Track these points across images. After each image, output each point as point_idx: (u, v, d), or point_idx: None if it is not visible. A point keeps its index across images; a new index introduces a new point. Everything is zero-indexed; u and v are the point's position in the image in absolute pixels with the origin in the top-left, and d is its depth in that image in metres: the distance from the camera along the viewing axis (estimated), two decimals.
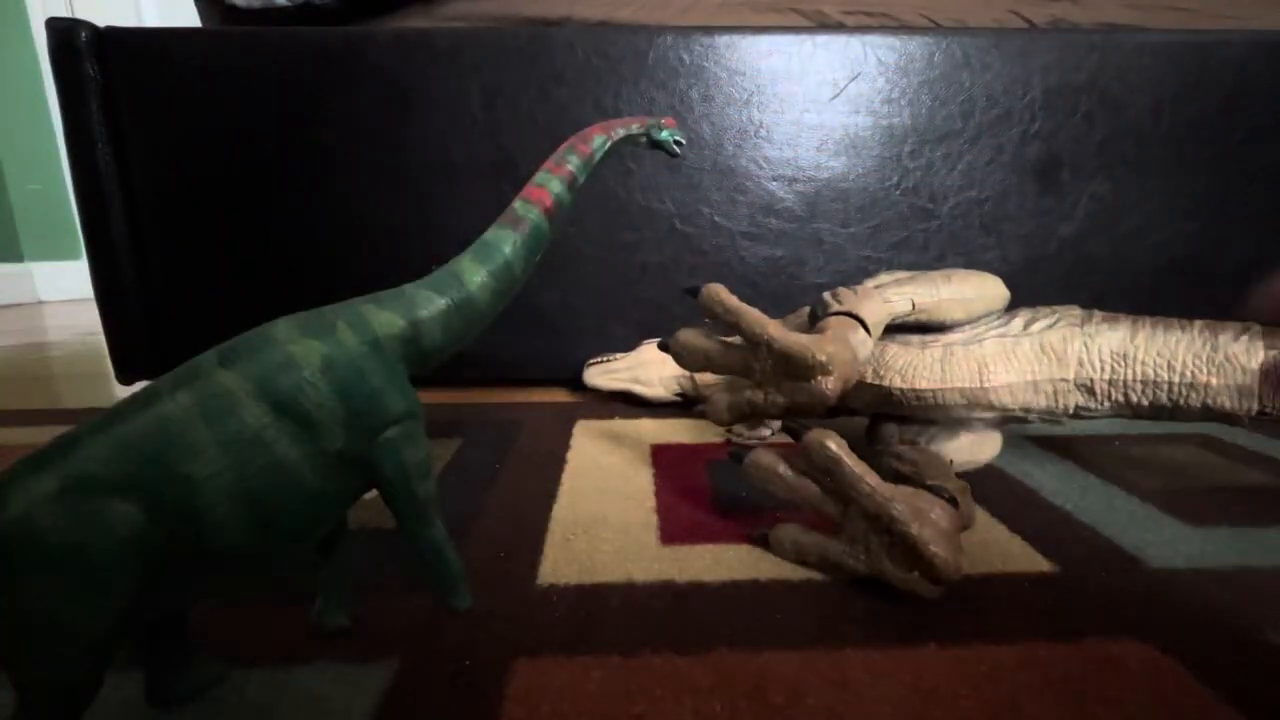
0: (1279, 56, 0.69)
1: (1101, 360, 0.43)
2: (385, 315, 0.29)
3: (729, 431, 0.60)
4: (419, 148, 0.69)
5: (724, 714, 0.25)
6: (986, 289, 0.48)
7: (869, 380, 0.47)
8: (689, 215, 0.72)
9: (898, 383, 0.46)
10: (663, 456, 0.54)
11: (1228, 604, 0.32)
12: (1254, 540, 0.39)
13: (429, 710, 0.26)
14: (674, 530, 0.41)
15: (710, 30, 0.68)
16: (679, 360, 0.44)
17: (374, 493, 0.29)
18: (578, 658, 0.29)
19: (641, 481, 0.48)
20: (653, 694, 0.26)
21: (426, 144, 0.69)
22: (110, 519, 0.20)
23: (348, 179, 0.70)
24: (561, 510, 0.43)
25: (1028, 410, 0.46)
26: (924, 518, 0.32)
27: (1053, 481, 0.48)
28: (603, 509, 0.44)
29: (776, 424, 0.60)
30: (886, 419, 0.50)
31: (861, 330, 0.42)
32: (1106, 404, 0.44)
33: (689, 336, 0.44)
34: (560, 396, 0.74)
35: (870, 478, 0.33)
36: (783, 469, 0.37)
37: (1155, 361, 0.42)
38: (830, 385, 0.38)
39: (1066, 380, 0.44)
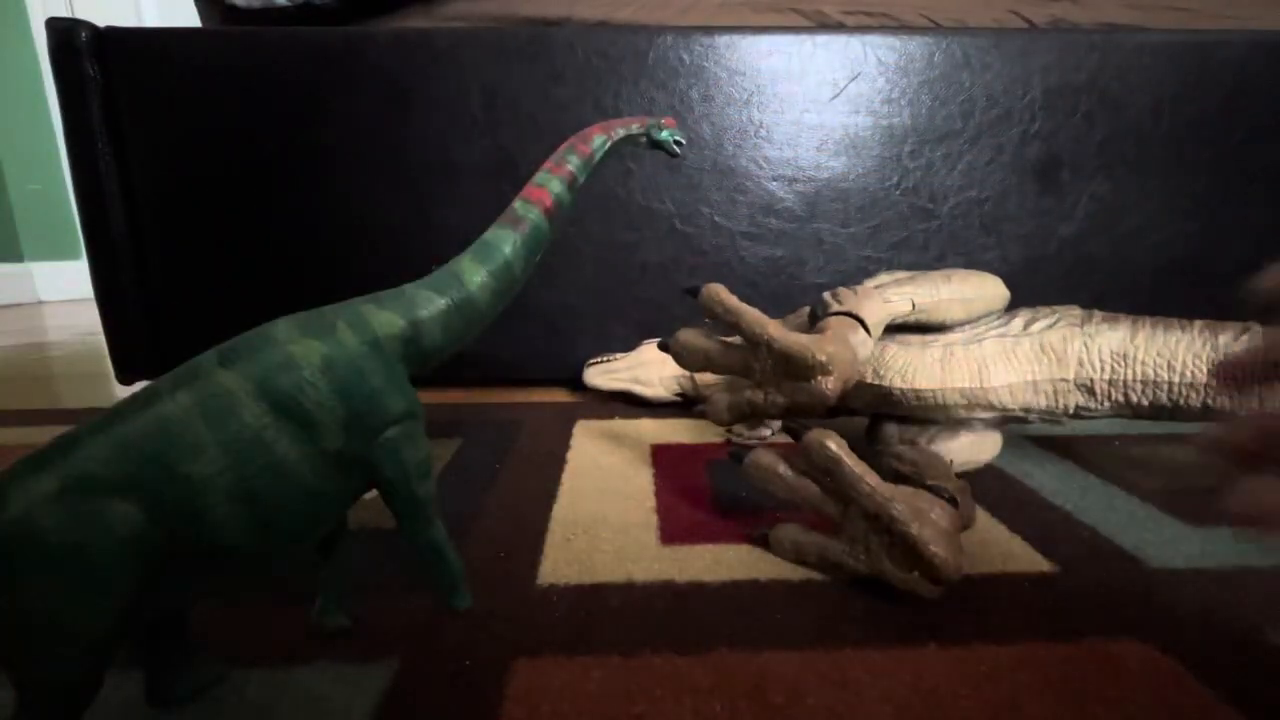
0: (1279, 56, 0.69)
1: (1101, 360, 0.43)
2: (385, 315, 0.29)
3: (729, 431, 0.60)
4: (419, 148, 0.69)
5: (724, 714, 0.25)
6: (986, 289, 0.48)
7: (869, 380, 0.47)
8: (689, 215, 0.72)
9: (898, 383, 0.46)
10: (663, 456, 0.54)
11: (1228, 604, 0.32)
12: (1254, 540, 0.39)
13: (429, 710, 0.26)
14: (674, 530, 0.40)
15: (710, 30, 0.68)
16: (679, 360, 0.44)
17: (374, 493, 0.29)
18: (578, 658, 0.29)
19: (641, 481, 0.48)
20: (653, 694, 0.26)
21: (426, 144, 0.69)
22: (110, 519, 0.20)
23: (348, 179, 0.70)
24: (561, 510, 0.43)
25: (1028, 410, 0.46)
26: (924, 518, 0.32)
27: (1053, 481, 0.48)
28: (603, 509, 0.44)
29: (776, 424, 0.60)
30: (886, 419, 0.50)
31: (861, 330, 0.42)
32: (1106, 404, 0.44)
33: (689, 336, 0.44)
34: (560, 396, 0.74)
35: (870, 478, 0.33)
36: (783, 469, 0.37)
37: (1155, 361, 0.42)
38: (830, 385, 0.38)
39: (1066, 380, 0.44)
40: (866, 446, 0.50)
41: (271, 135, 0.69)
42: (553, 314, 0.74)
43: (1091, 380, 0.44)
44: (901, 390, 0.46)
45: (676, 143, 0.44)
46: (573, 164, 0.37)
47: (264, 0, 0.73)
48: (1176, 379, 0.41)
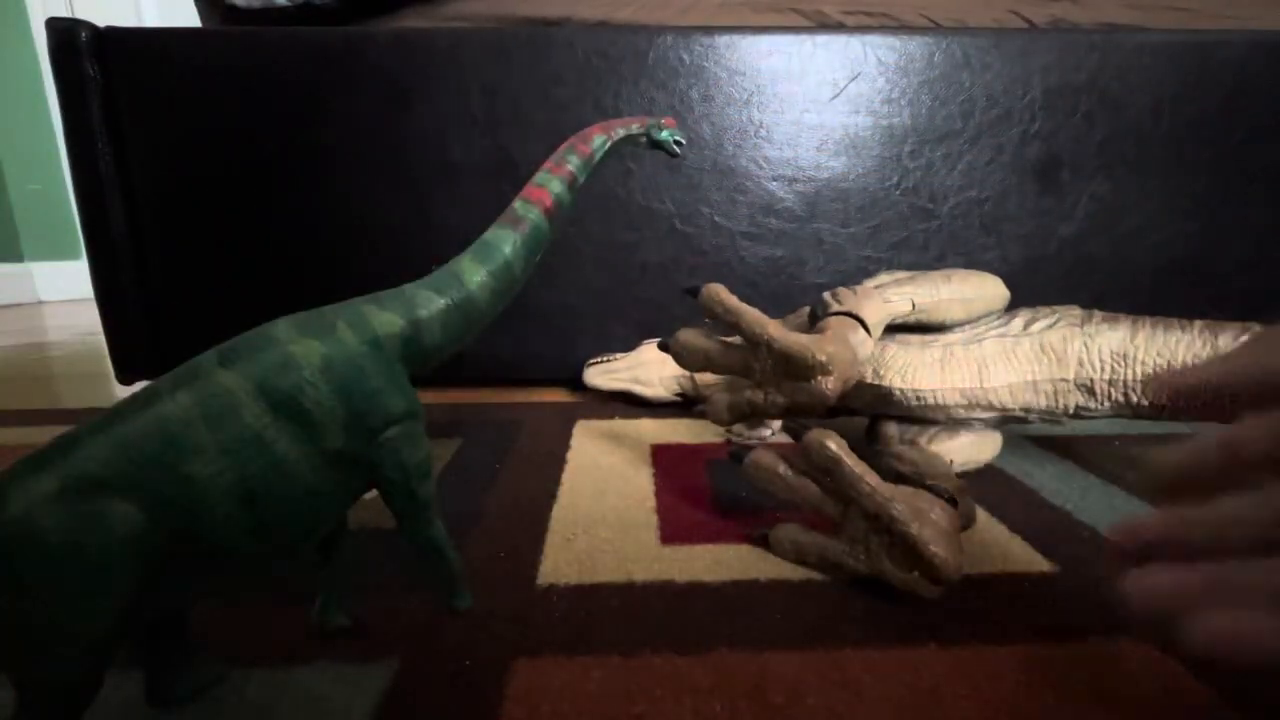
0: (1279, 56, 0.69)
1: (1101, 360, 0.43)
2: (385, 315, 0.29)
3: (729, 431, 0.60)
4: (419, 148, 0.69)
5: (724, 714, 0.25)
6: (986, 289, 0.48)
7: (869, 380, 0.47)
8: (689, 215, 0.72)
9: (898, 383, 0.46)
10: (663, 456, 0.54)
11: None
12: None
13: (429, 710, 0.26)
14: (674, 530, 0.40)
15: (710, 30, 0.68)
16: (679, 360, 0.44)
17: (374, 493, 0.29)
18: (578, 658, 0.29)
19: (641, 481, 0.48)
20: (653, 694, 0.26)
21: (426, 144, 0.69)
22: (110, 519, 0.20)
23: (348, 179, 0.70)
24: (561, 510, 0.43)
25: (1028, 410, 0.46)
26: (924, 518, 0.32)
27: (1053, 481, 0.48)
28: (603, 509, 0.44)
29: (776, 424, 0.60)
30: (886, 419, 0.50)
31: (861, 330, 0.42)
32: (1106, 404, 0.44)
33: (689, 336, 0.44)
34: (560, 396, 0.74)
35: (870, 478, 0.33)
36: (783, 469, 0.37)
37: (1155, 361, 0.42)
38: (830, 385, 0.38)
39: (1066, 380, 0.44)
40: (866, 446, 0.50)
41: (271, 135, 0.69)
42: (553, 314, 0.74)
43: (1091, 380, 0.44)
44: (901, 390, 0.46)
45: (676, 143, 0.44)
46: (573, 164, 0.37)
47: (264, 0, 0.73)
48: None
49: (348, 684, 0.27)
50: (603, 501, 0.45)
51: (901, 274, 0.49)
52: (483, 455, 0.54)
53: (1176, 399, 0.22)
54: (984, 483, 0.47)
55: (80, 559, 0.20)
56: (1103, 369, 0.43)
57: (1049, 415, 0.46)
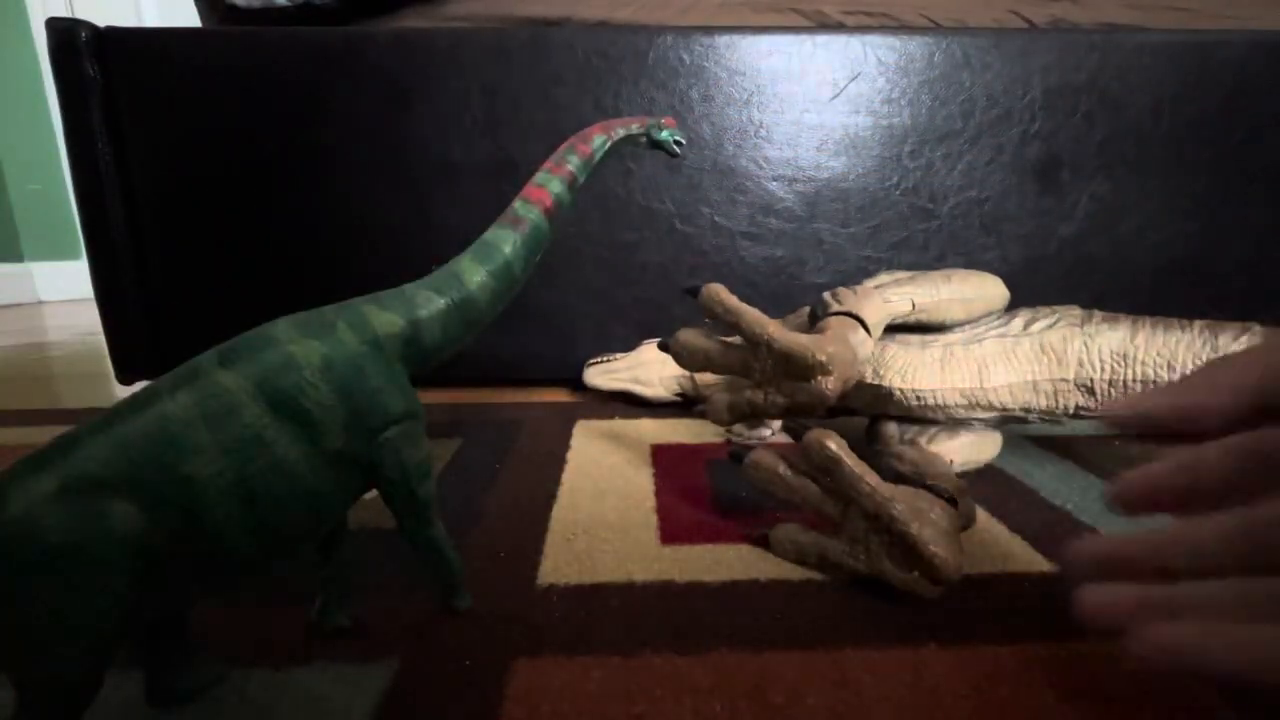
0: (1279, 56, 0.69)
1: (1101, 360, 0.43)
2: (385, 315, 0.29)
3: (729, 431, 0.60)
4: (419, 148, 0.69)
5: (724, 714, 0.25)
6: (986, 289, 0.48)
7: (869, 380, 0.47)
8: (689, 215, 0.72)
9: (898, 383, 0.46)
10: (663, 456, 0.54)
11: None
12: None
13: (429, 710, 0.26)
14: (674, 530, 0.40)
15: (710, 30, 0.68)
16: (679, 360, 0.44)
17: (374, 493, 0.29)
18: (578, 658, 0.29)
19: (641, 481, 0.48)
20: (653, 694, 0.26)
21: (426, 144, 0.69)
22: (110, 519, 0.20)
23: (348, 179, 0.70)
24: (561, 510, 0.43)
25: (1028, 410, 0.46)
26: (924, 518, 0.32)
27: (1053, 481, 0.48)
28: (603, 509, 0.44)
29: (776, 424, 0.60)
30: (886, 419, 0.50)
31: (861, 330, 0.42)
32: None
33: (689, 336, 0.44)
34: (560, 396, 0.74)
35: (870, 478, 0.33)
36: (783, 469, 0.37)
37: (1155, 361, 0.42)
38: (830, 385, 0.38)
39: (1066, 380, 0.44)
40: (866, 446, 0.50)
41: (271, 135, 0.69)
42: (553, 314, 0.74)
43: (1091, 380, 0.44)
44: (901, 390, 0.46)
45: (676, 143, 0.44)
46: (573, 164, 0.37)
47: (264, 0, 0.73)
48: (1177, 379, 0.41)
49: (348, 684, 0.27)
50: (603, 501, 0.45)
51: (901, 274, 0.49)
52: (483, 455, 0.54)
53: (1126, 425, 0.24)
54: (984, 483, 0.47)
55: (80, 559, 0.20)
56: (1103, 369, 0.43)
57: (1049, 415, 0.46)
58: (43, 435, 0.62)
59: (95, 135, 0.68)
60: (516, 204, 0.35)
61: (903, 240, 0.72)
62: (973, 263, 0.73)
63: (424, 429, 0.29)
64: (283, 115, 0.69)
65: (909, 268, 0.73)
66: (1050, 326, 0.45)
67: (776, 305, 0.73)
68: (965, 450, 0.47)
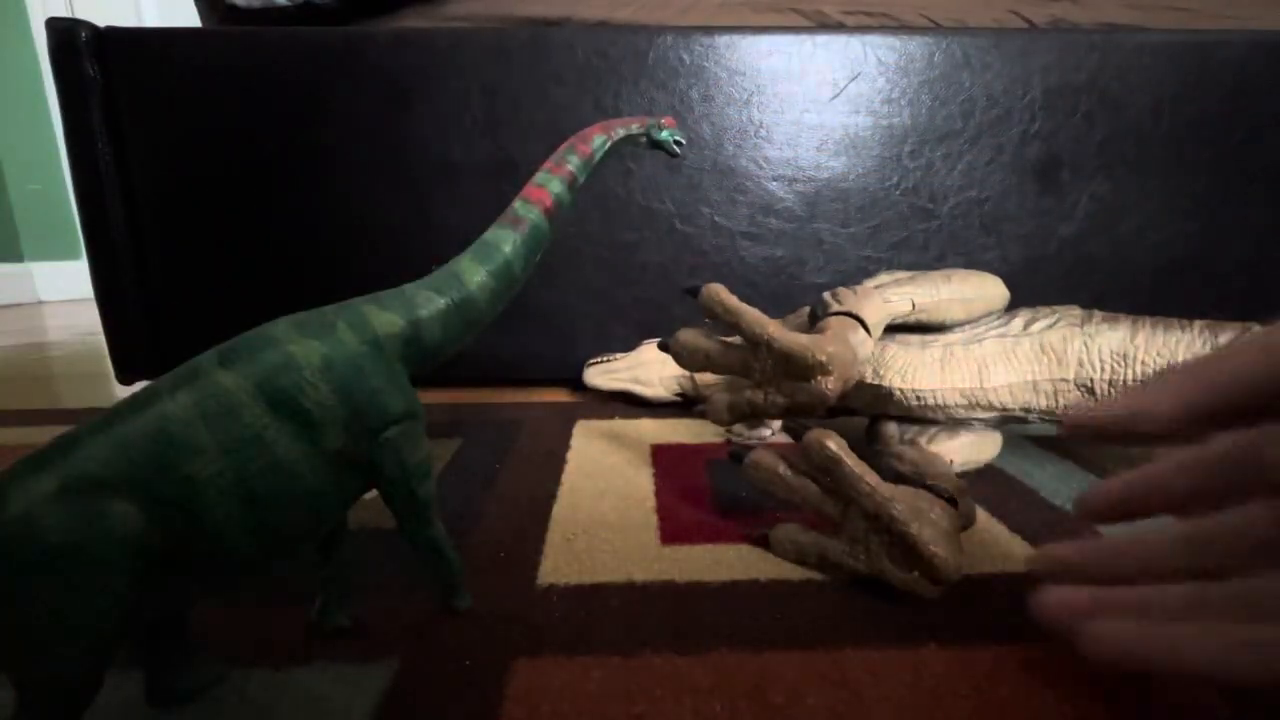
0: (1279, 56, 0.69)
1: (1101, 360, 0.43)
2: (385, 315, 0.29)
3: (729, 431, 0.60)
4: (419, 148, 0.69)
5: (724, 714, 0.25)
6: (986, 289, 0.48)
7: (869, 380, 0.47)
8: (689, 215, 0.72)
9: (898, 383, 0.46)
10: (663, 456, 0.54)
11: None
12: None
13: (429, 710, 0.26)
14: (674, 530, 0.40)
15: (710, 30, 0.68)
16: (679, 360, 0.44)
17: (374, 493, 0.29)
18: (578, 658, 0.29)
19: (641, 481, 0.48)
20: (653, 694, 0.26)
21: (426, 144, 0.69)
22: (110, 519, 0.20)
23: (348, 179, 0.70)
24: (561, 510, 0.43)
25: (1028, 410, 0.46)
26: (924, 518, 0.32)
27: (1053, 481, 0.48)
28: (603, 509, 0.44)
29: (776, 424, 0.60)
30: (886, 419, 0.50)
31: (861, 330, 0.42)
32: None
33: (689, 336, 0.44)
34: (560, 396, 0.74)
35: (870, 477, 0.33)
36: (783, 469, 0.37)
37: (1155, 361, 0.42)
38: (830, 385, 0.38)
39: (1066, 380, 0.44)
40: (866, 446, 0.50)
41: (271, 135, 0.69)
42: (553, 314, 0.74)
43: (1091, 380, 0.44)
44: (901, 390, 0.46)
45: (676, 143, 0.44)
46: (573, 164, 0.37)
47: (264, 0, 0.73)
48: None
49: (348, 684, 0.27)
50: (603, 501, 0.45)
51: (901, 274, 0.49)
52: (483, 455, 0.54)
53: (1082, 434, 0.26)
54: (984, 483, 0.47)
55: (80, 559, 0.20)
56: (1103, 369, 0.43)
57: (1049, 415, 0.46)
58: (43, 435, 0.62)
59: (95, 135, 0.68)
60: (516, 204, 0.35)
61: (903, 240, 0.72)
62: (973, 263, 0.73)
63: (424, 429, 0.29)
64: (283, 115, 0.69)
65: (909, 268, 0.73)
66: (1050, 326, 0.45)
67: (776, 305, 0.73)
68: (965, 450, 0.47)
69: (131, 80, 0.68)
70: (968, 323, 0.48)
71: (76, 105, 0.68)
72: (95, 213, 0.70)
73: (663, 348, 0.45)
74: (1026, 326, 0.46)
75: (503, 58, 0.67)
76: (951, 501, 0.34)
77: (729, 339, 0.43)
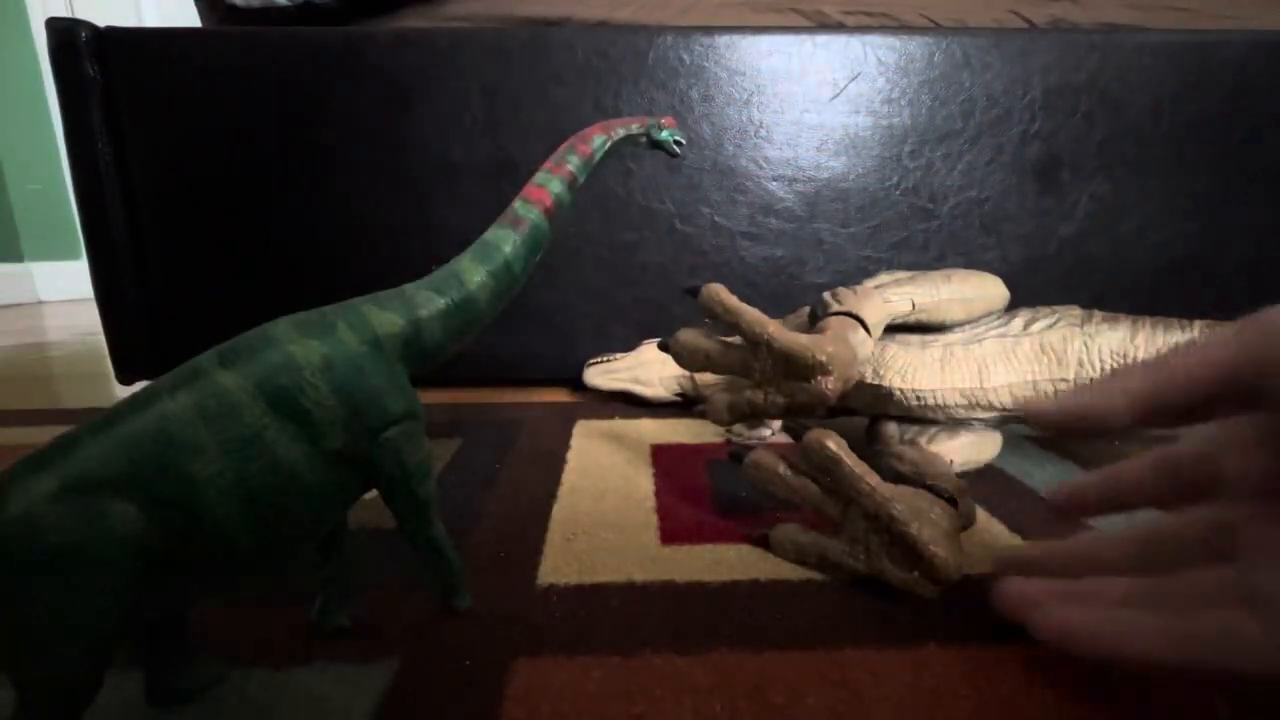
0: (1279, 56, 0.69)
1: (1101, 360, 0.43)
2: (385, 315, 0.29)
3: (729, 431, 0.60)
4: (419, 148, 0.69)
5: (724, 714, 0.25)
6: (986, 289, 0.48)
7: (869, 380, 0.47)
8: (689, 215, 0.72)
9: (898, 383, 0.46)
10: (663, 456, 0.54)
11: None
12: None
13: (429, 710, 0.26)
14: (674, 530, 0.40)
15: (710, 30, 0.68)
16: (679, 360, 0.44)
17: (374, 493, 0.29)
18: (578, 658, 0.29)
19: (641, 481, 0.48)
20: (653, 694, 0.26)
21: (426, 144, 0.69)
22: (110, 519, 0.20)
23: (348, 179, 0.70)
24: (561, 510, 0.43)
25: None
26: (924, 518, 0.32)
27: (1053, 481, 0.48)
28: (603, 509, 0.44)
29: (776, 424, 0.60)
30: (886, 419, 0.50)
31: (861, 330, 0.42)
32: None
33: (689, 336, 0.44)
34: (560, 396, 0.74)
35: (870, 478, 0.33)
36: (783, 469, 0.37)
37: None
38: (830, 385, 0.38)
39: (1066, 380, 0.44)
40: (866, 446, 0.50)
41: (271, 135, 0.69)
42: (553, 314, 0.74)
43: (1091, 380, 0.44)
44: (901, 390, 0.46)
45: (676, 143, 0.44)
46: (573, 164, 0.37)
47: (264, 0, 0.73)
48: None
49: (348, 684, 0.27)
50: (603, 501, 0.45)
51: (901, 274, 0.49)
52: (483, 455, 0.54)
53: (1042, 424, 0.27)
54: (984, 483, 0.47)
55: (80, 559, 0.20)
56: (1103, 369, 0.43)
57: None
58: (43, 435, 0.62)
59: (95, 135, 0.68)
60: (516, 204, 0.35)
61: (903, 240, 0.73)
62: (973, 263, 0.73)
63: (424, 429, 0.29)
64: (283, 115, 0.69)
65: (909, 268, 0.73)
66: (1050, 326, 0.45)
67: (776, 305, 0.73)
68: (965, 450, 0.47)
69: (131, 80, 0.68)
70: (968, 323, 0.48)
71: (76, 105, 0.68)
72: (95, 213, 0.70)
73: (663, 348, 0.45)
74: (1026, 326, 0.46)
75: (503, 58, 0.67)
76: (951, 501, 0.34)
77: (729, 339, 0.43)
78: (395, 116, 0.69)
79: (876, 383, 0.47)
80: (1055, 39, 0.68)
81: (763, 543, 0.38)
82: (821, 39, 0.68)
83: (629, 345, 0.73)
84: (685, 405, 0.68)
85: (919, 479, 0.37)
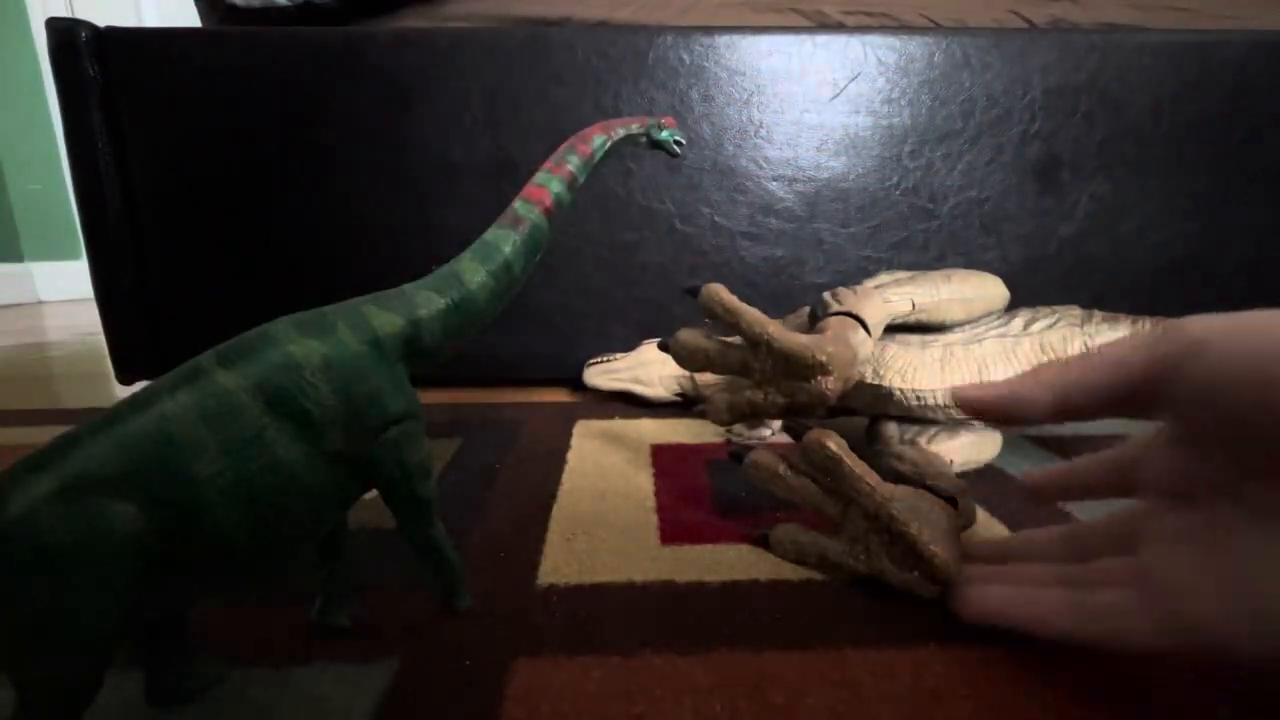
0: (1279, 56, 0.69)
1: None
2: (385, 315, 0.29)
3: (729, 431, 0.60)
4: (419, 148, 0.69)
5: (724, 714, 0.25)
6: (986, 289, 0.48)
7: (869, 380, 0.47)
8: (689, 215, 0.72)
9: (898, 383, 0.46)
10: (663, 456, 0.54)
11: None
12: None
13: (429, 710, 0.26)
14: (674, 530, 0.40)
15: (710, 30, 0.68)
16: (679, 360, 0.44)
17: (374, 493, 0.29)
18: (578, 658, 0.29)
19: (641, 481, 0.48)
20: (653, 694, 0.26)
21: (426, 144, 0.69)
22: (110, 519, 0.20)
23: (348, 179, 0.70)
24: (561, 510, 0.43)
25: None
26: (924, 518, 0.32)
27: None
28: (603, 509, 0.44)
29: (776, 424, 0.60)
30: (886, 419, 0.50)
31: (861, 330, 0.42)
32: None
33: (689, 336, 0.44)
34: (560, 396, 0.74)
35: (870, 478, 0.33)
36: (783, 469, 0.37)
37: None
38: (830, 385, 0.38)
39: None
40: (866, 446, 0.50)
41: (271, 135, 0.69)
42: (553, 314, 0.74)
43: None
44: (901, 390, 0.46)
45: (676, 143, 0.44)
46: (573, 164, 0.37)
47: (264, 0, 0.73)
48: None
49: (348, 684, 0.27)
50: (603, 501, 0.45)
51: (901, 274, 0.49)
52: (483, 455, 0.54)
53: (969, 410, 0.29)
54: (984, 483, 0.47)
55: (80, 559, 0.20)
56: None
57: None
58: (43, 435, 0.62)
59: (95, 135, 0.68)
60: (516, 204, 0.35)
61: (903, 240, 0.73)
62: (973, 263, 0.73)
63: (424, 429, 0.29)
64: (283, 115, 0.69)
65: (909, 268, 0.73)
66: (1050, 326, 0.45)
67: (776, 305, 0.73)
68: (965, 450, 0.47)
69: (131, 80, 0.68)
70: (968, 323, 0.48)
71: (76, 105, 0.68)
72: (95, 213, 0.70)
73: (663, 348, 0.45)
74: (1027, 326, 0.46)
75: (503, 58, 0.67)
76: (951, 501, 0.34)
77: (729, 339, 0.43)
78: (395, 116, 0.69)
79: (876, 383, 0.47)
80: (1055, 39, 0.68)
81: (763, 543, 0.38)
82: (821, 39, 0.68)
83: (629, 345, 0.73)
84: (685, 405, 0.68)
85: (919, 479, 0.37)
